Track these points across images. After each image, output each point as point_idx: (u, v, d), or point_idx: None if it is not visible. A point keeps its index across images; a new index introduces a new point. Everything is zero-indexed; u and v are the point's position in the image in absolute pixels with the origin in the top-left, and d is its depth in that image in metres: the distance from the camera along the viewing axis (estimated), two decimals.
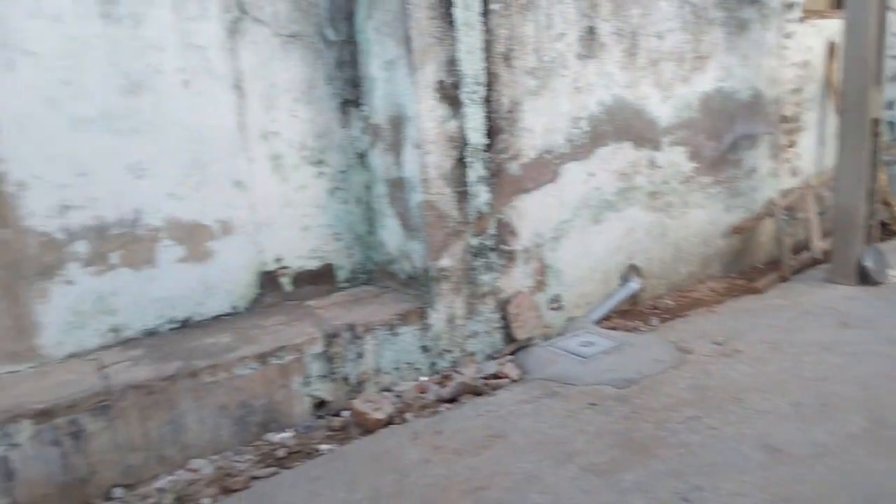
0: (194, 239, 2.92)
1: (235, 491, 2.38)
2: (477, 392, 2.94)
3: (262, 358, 2.70)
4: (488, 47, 3.05)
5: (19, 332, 2.59)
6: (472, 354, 3.20)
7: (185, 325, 2.95)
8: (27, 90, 2.51)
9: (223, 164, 2.94)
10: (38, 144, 2.55)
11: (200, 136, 2.87)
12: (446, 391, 2.93)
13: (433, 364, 3.11)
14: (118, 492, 2.42)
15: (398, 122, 3.05)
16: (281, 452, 2.61)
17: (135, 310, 2.82)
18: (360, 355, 2.92)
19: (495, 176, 3.17)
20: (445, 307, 3.10)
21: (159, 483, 2.47)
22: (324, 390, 2.84)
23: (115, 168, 2.70)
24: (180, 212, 2.87)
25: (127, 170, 2.73)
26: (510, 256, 3.29)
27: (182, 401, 2.54)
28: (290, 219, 3.16)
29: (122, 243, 2.75)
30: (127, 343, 2.80)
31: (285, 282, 3.21)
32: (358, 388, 2.93)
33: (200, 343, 2.78)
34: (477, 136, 3.08)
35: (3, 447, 2.25)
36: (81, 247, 2.67)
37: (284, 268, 3.19)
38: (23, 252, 2.57)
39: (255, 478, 2.46)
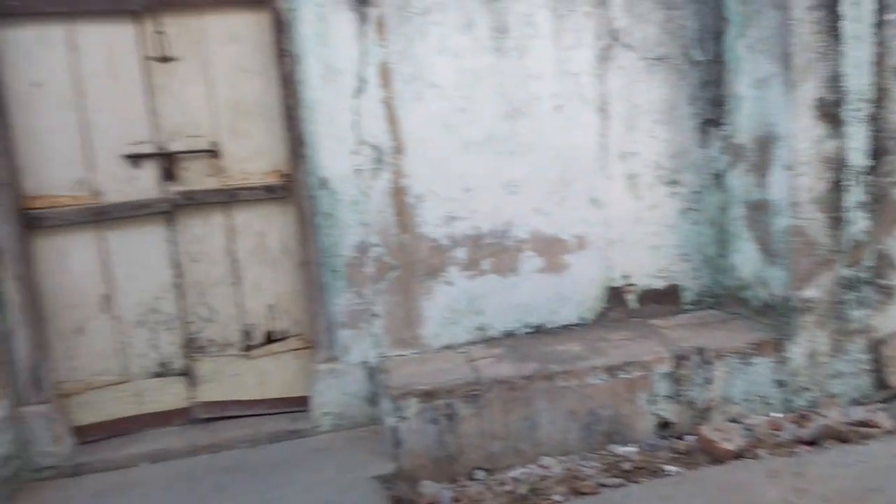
0: (552, 251, 3.13)
1: (585, 494, 2.50)
2: (842, 438, 2.67)
3: (611, 370, 2.79)
4: (879, 61, 2.76)
5: (409, 323, 3.04)
6: (834, 396, 2.91)
7: (539, 330, 3.17)
8: (430, 117, 2.94)
9: (583, 183, 3.11)
10: (434, 163, 2.97)
11: (566, 157, 3.07)
12: (806, 432, 2.71)
13: (788, 401, 2.90)
14: (480, 474, 2.71)
15: (765, 142, 2.91)
16: (626, 465, 2.67)
17: (498, 312, 3.12)
18: (708, 381, 2.85)
19: (877, 202, 2.85)
20: (807, 341, 2.88)
21: (514, 473, 2.69)
22: (669, 411, 2.84)
23: (493, 185, 3.02)
24: (543, 226, 3.10)
25: (502, 187, 3.03)
26: (889, 292, 2.93)
27: (538, 400, 2.74)
28: (640, 237, 3.21)
29: (492, 252, 3.07)
30: (490, 341, 3.11)
31: (631, 298, 3.26)
32: (703, 414, 2.86)
33: (553, 349, 2.97)
34: (858, 158, 2.80)
35: (396, 419, 2.67)
36: (461, 253, 3.04)
37: (631, 285, 3.25)
38: (416, 255, 3.01)
39: (602, 485, 2.55)
